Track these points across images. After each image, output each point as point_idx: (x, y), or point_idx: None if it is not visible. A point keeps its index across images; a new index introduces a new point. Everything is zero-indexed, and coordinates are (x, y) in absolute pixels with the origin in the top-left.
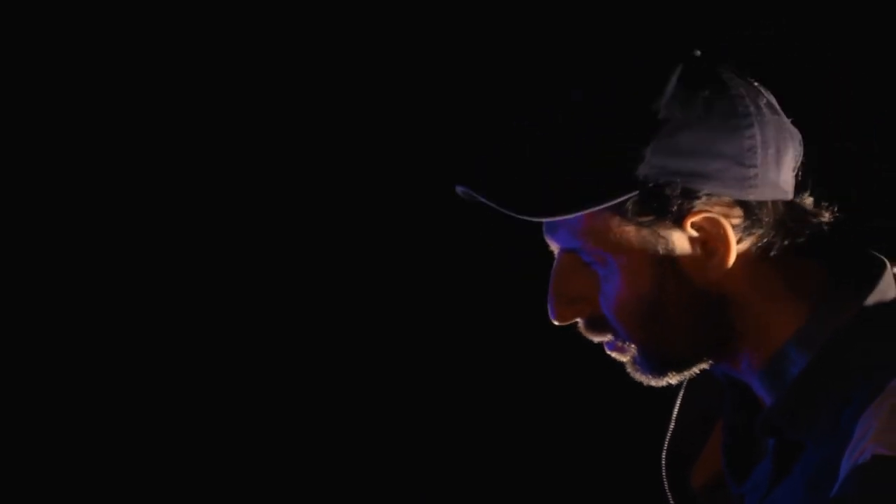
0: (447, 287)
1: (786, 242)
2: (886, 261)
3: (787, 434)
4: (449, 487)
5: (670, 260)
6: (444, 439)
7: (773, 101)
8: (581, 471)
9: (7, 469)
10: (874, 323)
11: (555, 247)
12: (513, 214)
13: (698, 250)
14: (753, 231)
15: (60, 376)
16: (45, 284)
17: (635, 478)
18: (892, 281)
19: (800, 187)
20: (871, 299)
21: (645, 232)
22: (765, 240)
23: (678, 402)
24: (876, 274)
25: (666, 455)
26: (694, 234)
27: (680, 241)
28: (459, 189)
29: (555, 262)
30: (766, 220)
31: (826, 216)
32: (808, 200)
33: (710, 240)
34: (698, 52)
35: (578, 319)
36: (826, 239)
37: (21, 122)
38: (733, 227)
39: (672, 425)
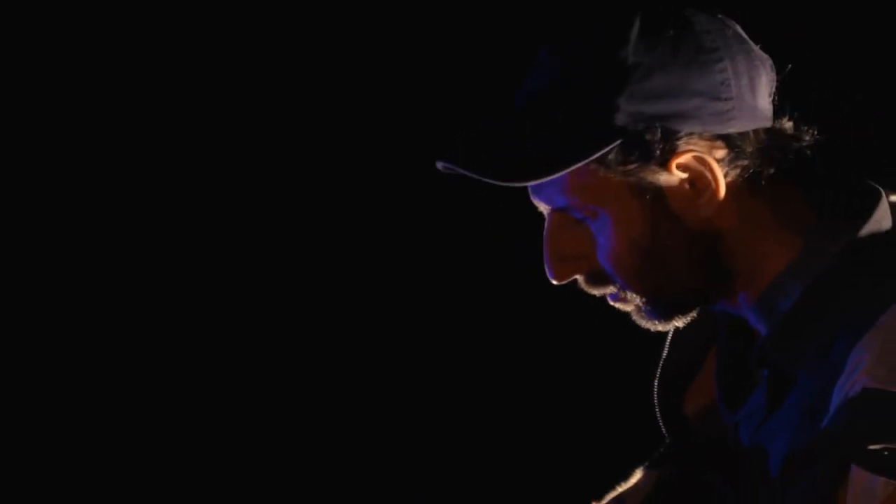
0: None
1: (772, 171)
2: (882, 190)
3: (779, 365)
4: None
5: (660, 204)
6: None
7: (740, 30)
8: (573, 402)
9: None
10: (868, 254)
11: (543, 208)
12: (496, 182)
13: (687, 190)
14: (738, 163)
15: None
16: (44, 284)
17: (627, 407)
18: (888, 211)
19: (778, 112)
20: (866, 230)
21: (632, 180)
22: (751, 170)
23: (670, 330)
24: (870, 203)
25: (658, 383)
26: (681, 174)
27: (668, 183)
28: (441, 164)
29: (546, 224)
30: (750, 149)
31: (807, 138)
32: (788, 124)
33: (698, 178)
34: None
35: (578, 276)
36: (815, 168)
37: (21, 122)
38: (718, 161)
39: (664, 353)
